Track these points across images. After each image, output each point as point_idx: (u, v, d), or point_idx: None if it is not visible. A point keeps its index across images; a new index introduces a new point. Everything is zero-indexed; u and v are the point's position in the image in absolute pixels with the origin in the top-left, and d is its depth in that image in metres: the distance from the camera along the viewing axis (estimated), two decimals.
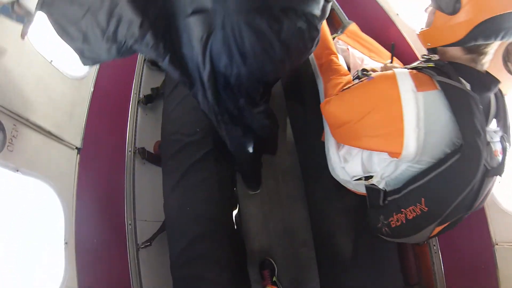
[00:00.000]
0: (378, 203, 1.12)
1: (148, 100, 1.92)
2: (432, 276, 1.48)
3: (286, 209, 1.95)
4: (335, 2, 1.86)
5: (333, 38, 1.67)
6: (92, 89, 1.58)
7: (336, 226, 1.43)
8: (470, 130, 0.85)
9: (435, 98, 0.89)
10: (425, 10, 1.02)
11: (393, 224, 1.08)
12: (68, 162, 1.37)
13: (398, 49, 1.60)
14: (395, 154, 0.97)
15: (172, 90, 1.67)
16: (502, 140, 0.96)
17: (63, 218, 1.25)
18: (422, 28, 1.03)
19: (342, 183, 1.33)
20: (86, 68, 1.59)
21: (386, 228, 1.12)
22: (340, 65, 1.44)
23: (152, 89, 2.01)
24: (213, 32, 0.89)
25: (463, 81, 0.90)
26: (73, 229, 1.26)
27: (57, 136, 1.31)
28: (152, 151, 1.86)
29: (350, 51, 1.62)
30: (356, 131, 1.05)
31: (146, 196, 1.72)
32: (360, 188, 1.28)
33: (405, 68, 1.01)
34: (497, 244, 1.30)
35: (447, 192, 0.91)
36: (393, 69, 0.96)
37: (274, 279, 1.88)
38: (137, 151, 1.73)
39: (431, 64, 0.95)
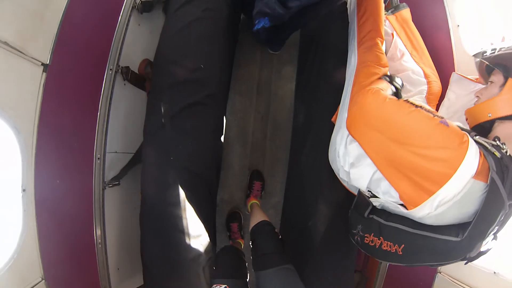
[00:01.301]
0: (362, 213, 1.09)
1: (145, 8, 1.56)
2: (377, 266, 1.57)
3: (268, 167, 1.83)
4: None
5: None
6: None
7: (317, 213, 1.38)
8: (479, 234, 0.83)
9: (479, 190, 0.82)
10: (486, 81, 1.00)
11: (366, 240, 1.07)
12: (30, 84, 1.05)
13: (440, 60, 1.46)
14: (406, 203, 0.92)
15: (182, 5, 1.35)
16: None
17: (20, 160, 1.00)
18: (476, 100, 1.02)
19: (335, 173, 1.25)
20: None
21: (358, 238, 1.11)
22: (383, 53, 1.26)
23: None
24: None
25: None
26: (33, 173, 1.03)
27: (17, 48, 0.96)
28: (136, 70, 1.56)
29: (394, 38, 1.43)
30: (388, 151, 0.93)
31: (122, 122, 1.48)
32: (353, 189, 1.22)
33: (475, 136, 0.89)
34: (440, 273, 1.38)
35: (427, 256, 0.91)
36: (469, 137, 0.84)
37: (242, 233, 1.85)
38: (120, 70, 1.43)
39: (497, 154, 0.84)
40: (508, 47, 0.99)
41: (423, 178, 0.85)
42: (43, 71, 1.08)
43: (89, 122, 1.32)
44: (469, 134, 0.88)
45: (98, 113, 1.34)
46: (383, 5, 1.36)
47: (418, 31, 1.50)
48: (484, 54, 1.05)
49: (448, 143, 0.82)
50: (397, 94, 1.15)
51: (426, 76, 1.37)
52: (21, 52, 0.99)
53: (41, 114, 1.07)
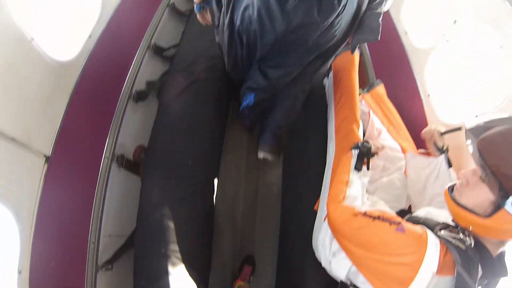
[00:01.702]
0: None
1: (140, 97, 1.68)
2: None
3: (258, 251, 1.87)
4: (368, 56, 1.71)
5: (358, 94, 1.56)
6: (77, 79, 1.32)
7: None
8: None
9: (447, 284, 0.85)
10: (481, 179, 0.85)
11: None
12: (32, 174, 1.13)
13: (416, 129, 1.54)
14: None
15: (174, 98, 1.50)
16: None
17: (19, 243, 1.06)
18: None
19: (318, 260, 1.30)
20: (77, 50, 1.32)
21: None
22: (359, 139, 1.34)
23: (147, 82, 1.75)
24: None
25: (480, 269, 0.85)
26: (29, 256, 1.08)
27: (22, 143, 1.06)
28: (131, 156, 1.65)
29: (371, 117, 1.52)
30: (357, 255, 0.99)
31: (116, 206, 1.55)
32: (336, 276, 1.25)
33: (440, 231, 0.91)
34: None
35: None
36: (428, 236, 0.87)
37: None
38: (115, 158, 1.52)
39: (462, 246, 0.86)
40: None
41: (390, 280, 0.91)
42: (45, 162, 1.18)
43: (85, 208, 1.39)
44: (434, 228, 0.92)
45: (94, 199, 1.41)
46: (357, 90, 1.46)
47: (393, 103, 1.60)
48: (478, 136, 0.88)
49: (406, 249, 0.87)
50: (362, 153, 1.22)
51: (403, 150, 1.44)
52: (25, 145, 1.09)
53: (41, 202, 1.14)
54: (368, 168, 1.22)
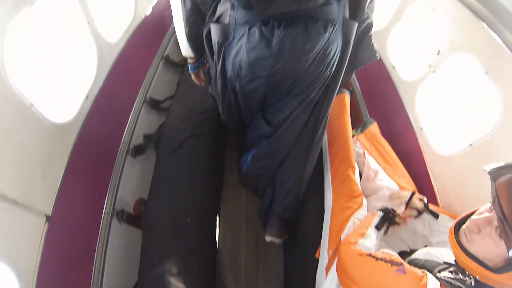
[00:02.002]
0: None
1: (138, 152, 1.71)
2: None
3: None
4: (363, 101, 1.74)
5: (352, 136, 1.58)
6: (75, 139, 1.35)
7: None
8: None
9: None
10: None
11: None
12: (33, 233, 1.14)
13: (412, 163, 1.55)
14: None
15: (169, 154, 1.52)
16: None
17: None
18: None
19: None
20: (74, 111, 1.35)
21: None
22: (356, 185, 1.36)
23: (145, 136, 1.79)
24: None
25: None
26: None
27: (23, 204, 1.08)
28: (131, 210, 1.66)
29: (366, 157, 1.53)
30: None
31: (118, 261, 1.55)
32: None
33: (439, 273, 0.93)
34: None
35: None
36: (427, 278, 0.87)
37: None
38: (115, 213, 1.53)
39: (463, 287, 0.85)
40: None
41: None
42: (45, 221, 1.18)
43: (86, 263, 1.38)
44: (433, 270, 0.92)
45: (95, 254, 1.40)
46: (351, 135, 1.48)
47: (387, 140, 1.61)
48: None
49: None
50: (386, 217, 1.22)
51: (401, 189, 1.44)
52: (26, 206, 1.09)
53: (42, 259, 1.14)
54: (385, 233, 1.22)
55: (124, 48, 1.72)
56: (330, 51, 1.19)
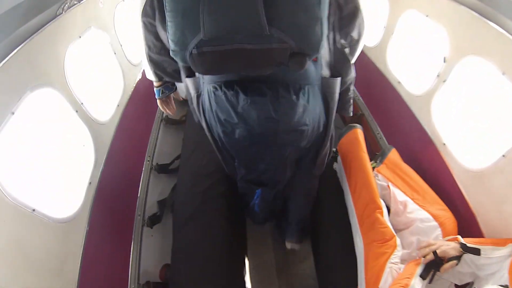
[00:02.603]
0: None
1: (154, 222, 1.67)
2: None
3: None
4: (375, 123, 1.64)
5: (372, 169, 1.48)
6: (86, 228, 1.30)
7: None
8: None
9: None
10: None
11: None
12: None
13: (441, 184, 1.43)
14: None
15: (184, 224, 1.47)
16: None
17: None
18: None
19: None
20: (80, 200, 1.32)
21: None
22: (386, 227, 1.25)
23: (159, 203, 1.75)
24: None
25: None
26: None
27: None
28: (157, 279, 1.62)
29: (391, 190, 1.42)
30: None
31: None
32: None
33: None
34: None
35: None
36: None
37: None
38: None
39: None
40: None
41: None
42: None
43: None
44: None
45: None
46: (371, 172, 1.38)
47: (410, 165, 1.49)
48: None
49: None
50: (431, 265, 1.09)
51: (435, 217, 1.31)
52: None
53: None
54: (430, 282, 1.09)
55: (120, 122, 1.69)
56: (305, 121, 1.09)
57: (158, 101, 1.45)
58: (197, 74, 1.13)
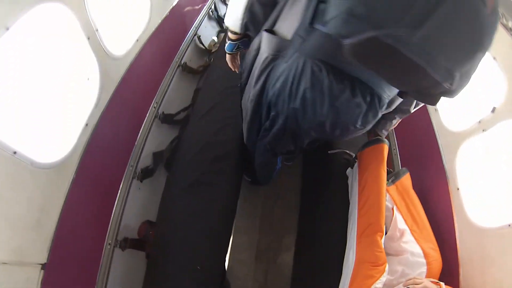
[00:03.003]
0: None
1: (145, 175, 1.55)
2: None
3: None
4: (395, 140, 1.57)
5: None
6: (73, 175, 1.18)
7: None
8: None
9: None
10: None
11: None
12: (28, 284, 1.03)
13: (440, 225, 1.44)
14: None
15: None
16: None
17: None
18: None
19: None
20: (71, 144, 1.17)
21: None
22: (382, 252, 1.27)
23: (154, 155, 1.62)
24: None
25: None
26: None
27: (14, 262, 0.97)
28: (135, 235, 1.57)
29: (395, 214, 1.41)
30: None
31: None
32: None
33: None
34: None
35: None
36: None
37: None
38: (118, 244, 1.43)
39: None
40: None
41: None
42: (41, 269, 1.07)
43: None
44: None
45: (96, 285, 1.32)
46: (384, 194, 1.34)
47: (418, 194, 1.48)
48: None
49: None
50: None
51: (426, 255, 1.34)
52: (20, 263, 0.99)
53: None
54: None
55: (134, 61, 1.48)
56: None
57: (228, 56, 1.33)
58: (289, 34, 1.00)
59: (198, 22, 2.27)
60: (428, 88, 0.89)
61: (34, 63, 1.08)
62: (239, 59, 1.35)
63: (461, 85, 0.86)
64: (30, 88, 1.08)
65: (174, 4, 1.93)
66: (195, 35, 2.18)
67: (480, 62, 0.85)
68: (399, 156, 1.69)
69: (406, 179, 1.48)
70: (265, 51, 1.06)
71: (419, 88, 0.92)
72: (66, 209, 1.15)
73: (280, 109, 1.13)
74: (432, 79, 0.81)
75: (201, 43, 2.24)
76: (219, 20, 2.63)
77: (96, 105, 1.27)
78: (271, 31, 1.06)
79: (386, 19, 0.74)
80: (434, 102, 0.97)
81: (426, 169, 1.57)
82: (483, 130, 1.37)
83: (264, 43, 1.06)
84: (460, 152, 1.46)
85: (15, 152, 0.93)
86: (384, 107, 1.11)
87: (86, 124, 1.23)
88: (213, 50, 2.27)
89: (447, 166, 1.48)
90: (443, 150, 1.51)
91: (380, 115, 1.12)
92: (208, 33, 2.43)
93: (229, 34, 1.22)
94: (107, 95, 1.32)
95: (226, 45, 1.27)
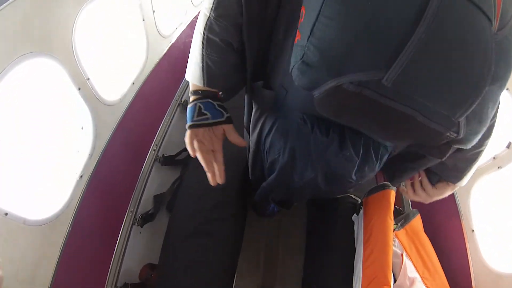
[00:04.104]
0: None
1: (146, 220, 1.51)
2: None
3: None
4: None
5: None
6: (69, 229, 1.15)
7: None
8: None
9: None
10: None
11: None
12: None
13: (453, 270, 1.34)
14: None
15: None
16: None
17: None
18: None
19: None
20: (64, 199, 1.14)
21: None
22: None
23: (155, 197, 1.58)
24: None
25: None
26: None
27: None
28: (137, 279, 1.54)
29: (404, 261, 1.32)
30: None
31: None
32: None
33: None
34: None
35: None
36: None
37: None
38: None
39: None
40: None
41: None
42: None
43: None
44: None
45: None
46: (391, 246, 1.26)
47: (429, 237, 1.39)
48: None
49: None
50: None
51: None
52: None
53: None
54: None
55: (130, 105, 1.45)
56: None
57: (188, 134, 0.85)
58: (276, 84, 0.90)
59: None
60: (428, 140, 0.70)
61: (22, 119, 1.07)
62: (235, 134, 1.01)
63: (474, 131, 0.67)
64: (19, 144, 1.07)
65: (173, 40, 1.90)
66: None
67: (495, 96, 0.65)
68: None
69: (416, 222, 1.39)
70: (255, 104, 1.03)
71: (417, 140, 0.73)
72: (62, 262, 1.12)
73: (274, 160, 1.07)
74: (428, 129, 0.61)
75: None
76: None
77: (91, 155, 1.24)
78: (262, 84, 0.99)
79: (346, 62, 0.57)
80: (442, 155, 0.82)
81: (438, 210, 1.47)
82: (498, 167, 1.28)
83: (259, 97, 1.01)
84: (474, 190, 1.36)
85: (6, 214, 0.91)
86: (386, 157, 0.99)
87: (81, 176, 1.21)
88: None
89: (461, 206, 1.39)
90: (456, 189, 1.42)
91: (378, 168, 0.99)
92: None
93: (191, 95, 0.89)
94: (102, 142, 1.30)
95: (187, 110, 0.89)
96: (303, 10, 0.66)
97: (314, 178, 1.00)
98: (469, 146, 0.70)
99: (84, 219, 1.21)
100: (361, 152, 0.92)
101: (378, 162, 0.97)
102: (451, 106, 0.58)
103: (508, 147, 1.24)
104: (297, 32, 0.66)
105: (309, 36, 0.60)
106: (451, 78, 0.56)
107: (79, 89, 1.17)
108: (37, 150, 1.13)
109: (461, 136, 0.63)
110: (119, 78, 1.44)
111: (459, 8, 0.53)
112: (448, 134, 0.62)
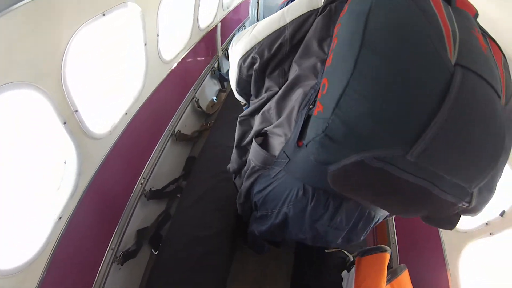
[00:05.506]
0: None
1: (127, 259, 1.41)
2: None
3: None
4: (394, 228, 1.48)
5: None
6: (41, 278, 1.04)
7: None
8: None
9: None
10: None
11: None
12: None
13: None
14: None
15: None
16: None
17: None
18: None
19: None
20: (39, 244, 1.04)
21: None
22: None
23: (138, 232, 1.49)
24: None
25: None
26: None
27: None
28: None
29: None
30: None
31: None
32: None
33: None
34: None
35: None
36: None
37: None
38: None
39: None
40: None
41: None
42: None
43: None
44: None
45: None
46: None
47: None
48: None
49: None
50: None
51: None
52: None
53: None
54: None
55: (121, 136, 1.37)
56: None
57: None
58: (276, 149, 0.93)
59: (197, 84, 2.12)
60: (440, 212, 0.71)
61: None
62: None
63: (483, 200, 0.68)
64: None
65: (173, 66, 1.79)
66: (193, 98, 2.04)
67: (503, 166, 0.66)
68: (397, 246, 1.58)
69: (404, 278, 1.37)
70: (252, 160, 1.00)
71: (429, 212, 0.74)
72: None
73: (265, 214, 1.09)
74: (442, 201, 0.63)
75: (199, 106, 2.10)
76: (221, 79, 2.48)
77: (72, 194, 1.15)
78: (261, 138, 0.99)
79: (373, 138, 0.58)
80: (451, 225, 0.79)
81: (427, 266, 1.46)
82: (490, 234, 1.27)
83: (252, 152, 1.00)
84: (465, 252, 1.36)
85: None
86: (372, 224, 1.01)
87: (60, 218, 1.11)
88: (211, 113, 2.13)
89: (450, 266, 1.38)
90: (446, 247, 1.41)
91: (364, 236, 1.06)
92: (207, 93, 2.30)
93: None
94: (86, 180, 1.20)
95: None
96: (325, 82, 0.65)
97: (303, 238, 1.05)
98: (477, 214, 0.72)
99: (59, 265, 1.11)
100: (351, 223, 0.95)
101: (366, 232, 1.02)
102: (469, 178, 0.60)
103: (501, 215, 1.24)
104: (318, 103, 0.65)
105: (334, 108, 0.59)
106: (472, 152, 0.58)
107: (65, 123, 1.07)
108: (12, 188, 1.02)
109: (473, 206, 0.65)
110: (112, 107, 1.34)
111: (477, 87, 0.57)
112: (461, 204, 0.64)
